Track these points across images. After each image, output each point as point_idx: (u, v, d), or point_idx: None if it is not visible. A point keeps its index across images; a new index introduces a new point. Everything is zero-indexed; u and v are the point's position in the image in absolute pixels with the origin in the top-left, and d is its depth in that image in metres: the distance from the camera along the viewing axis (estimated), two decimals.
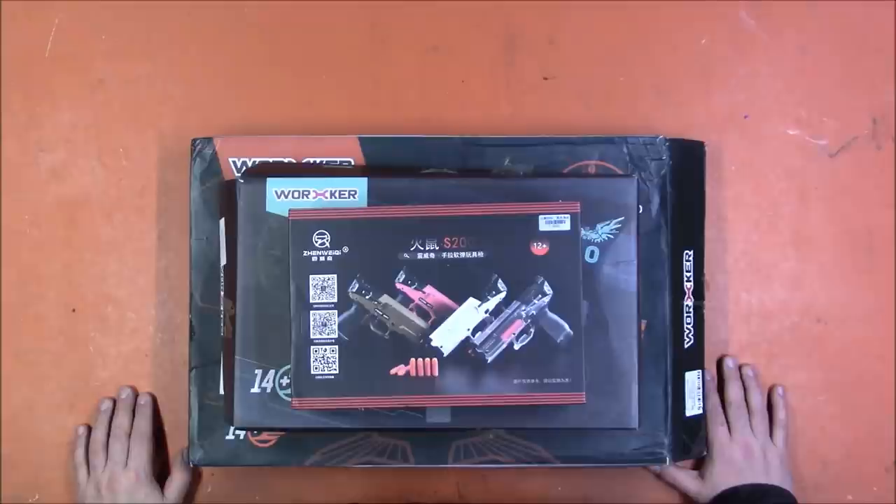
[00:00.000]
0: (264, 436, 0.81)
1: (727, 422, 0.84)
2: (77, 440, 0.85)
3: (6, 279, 0.87)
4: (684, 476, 0.84)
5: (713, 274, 0.86)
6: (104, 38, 0.88)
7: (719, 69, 0.88)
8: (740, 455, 0.82)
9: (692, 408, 0.82)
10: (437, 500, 0.86)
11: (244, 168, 0.82)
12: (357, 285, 0.74)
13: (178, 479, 0.84)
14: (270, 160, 0.82)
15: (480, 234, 0.74)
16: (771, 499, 0.80)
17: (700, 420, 0.83)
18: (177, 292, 0.87)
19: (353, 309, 0.74)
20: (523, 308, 0.74)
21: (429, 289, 0.74)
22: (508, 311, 0.74)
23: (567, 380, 0.74)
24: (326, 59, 0.88)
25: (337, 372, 0.74)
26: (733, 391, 0.85)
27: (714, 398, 0.85)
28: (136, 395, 0.87)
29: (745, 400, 0.85)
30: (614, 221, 0.77)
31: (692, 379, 0.82)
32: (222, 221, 0.80)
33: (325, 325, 0.74)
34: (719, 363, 0.86)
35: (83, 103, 0.88)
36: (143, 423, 0.85)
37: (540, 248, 0.74)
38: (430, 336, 0.74)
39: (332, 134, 0.83)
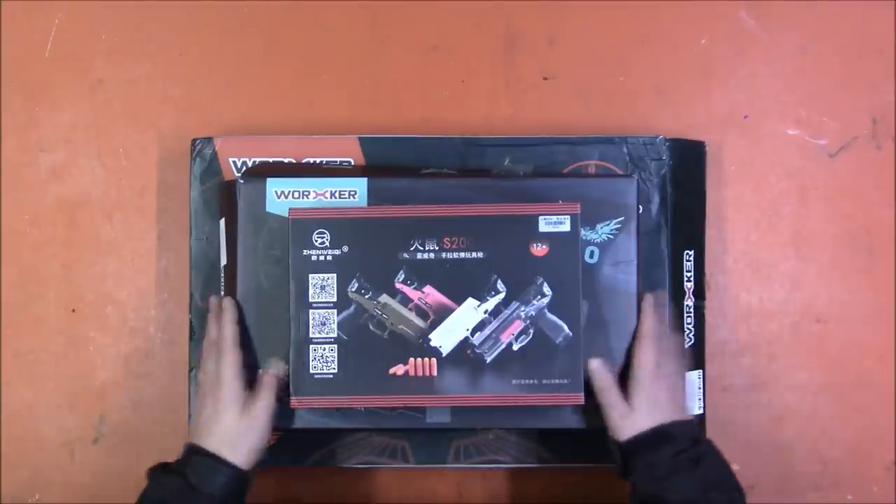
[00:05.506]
0: None
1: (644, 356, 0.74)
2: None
3: (6, 279, 0.87)
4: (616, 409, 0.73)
5: (713, 274, 0.86)
6: (104, 38, 0.88)
7: (719, 69, 0.88)
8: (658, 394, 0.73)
9: (692, 408, 0.82)
10: (436, 500, 0.86)
11: (244, 168, 0.82)
12: (356, 285, 0.74)
13: (264, 399, 0.73)
14: (270, 160, 0.82)
15: (480, 234, 0.74)
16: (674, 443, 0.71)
17: (700, 420, 0.83)
18: (177, 292, 0.87)
19: (352, 308, 0.74)
20: (522, 309, 0.74)
21: (428, 289, 0.74)
22: (507, 311, 0.74)
23: (566, 380, 0.74)
24: (326, 59, 0.88)
25: (336, 371, 0.74)
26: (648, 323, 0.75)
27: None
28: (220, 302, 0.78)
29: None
30: (614, 221, 0.77)
31: (692, 379, 0.82)
32: (222, 221, 0.80)
33: (324, 323, 0.74)
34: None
35: (83, 103, 0.88)
36: (230, 331, 0.75)
37: (539, 249, 0.74)
38: (429, 336, 0.74)
39: (332, 134, 0.83)
